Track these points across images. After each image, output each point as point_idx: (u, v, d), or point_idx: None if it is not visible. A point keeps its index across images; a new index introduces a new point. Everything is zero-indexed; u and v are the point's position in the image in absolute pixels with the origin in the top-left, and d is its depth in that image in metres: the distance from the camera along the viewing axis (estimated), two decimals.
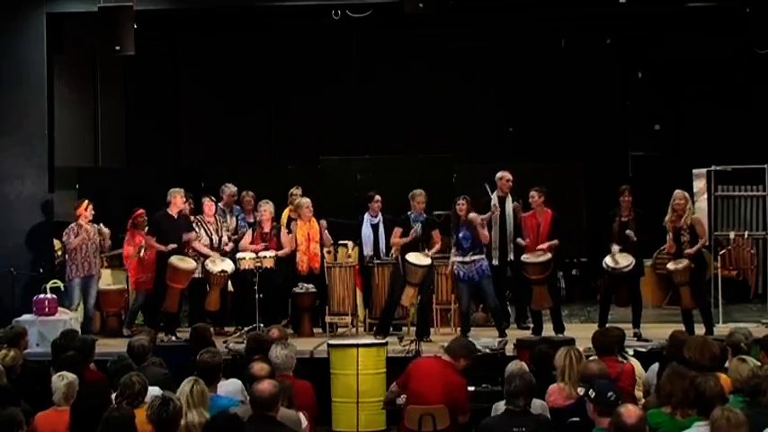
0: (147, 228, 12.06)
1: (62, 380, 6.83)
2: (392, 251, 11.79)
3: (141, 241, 12.15)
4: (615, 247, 11.15)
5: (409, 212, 11.58)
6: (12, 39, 13.12)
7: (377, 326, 11.27)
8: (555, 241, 11.37)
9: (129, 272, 12.35)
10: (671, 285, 12.08)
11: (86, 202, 12.11)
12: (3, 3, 13.07)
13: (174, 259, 11.56)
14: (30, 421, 6.53)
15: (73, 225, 11.92)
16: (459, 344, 8.06)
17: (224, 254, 12.01)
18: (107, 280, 12.64)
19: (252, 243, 11.88)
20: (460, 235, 11.14)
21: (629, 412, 5.46)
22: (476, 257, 11.15)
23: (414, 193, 11.61)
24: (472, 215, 11.12)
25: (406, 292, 11.15)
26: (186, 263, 11.64)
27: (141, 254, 12.07)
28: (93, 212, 12.00)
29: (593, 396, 6.16)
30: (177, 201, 11.86)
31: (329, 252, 12.56)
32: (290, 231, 12.09)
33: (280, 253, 11.78)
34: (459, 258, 11.20)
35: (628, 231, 11.14)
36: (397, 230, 11.55)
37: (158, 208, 11.98)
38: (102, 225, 12.15)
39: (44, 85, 13.13)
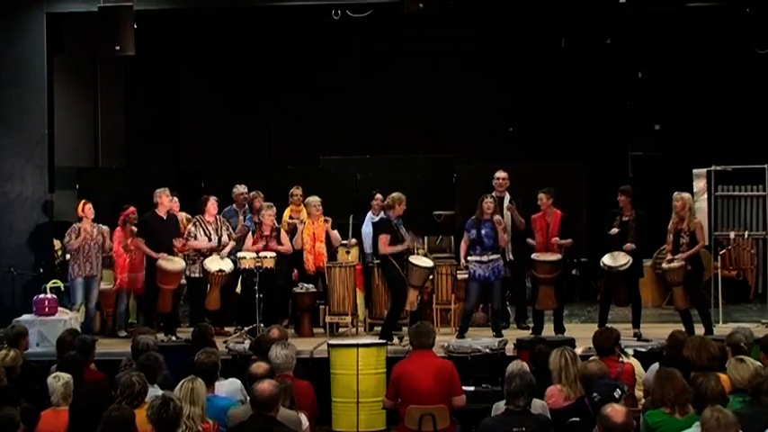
0: (136, 230, 11.92)
1: (58, 380, 6.83)
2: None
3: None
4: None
5: (393, 219, 11.16)
6: (12, 39, 13.11)
7: (381, 332, 11.18)
8: (569, 240, 11.36)
9: (117, 269, 12.17)
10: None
11: (83, 201, 12.01)
12: (3, 3, 13.07)
13: (163, 261, 11.52)
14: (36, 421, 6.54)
15: (75, 225, 11.81)
16: (416, 332, 8.10)
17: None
18: (105, 280, 12.61)
19: (253, 245, 11.79)
20: (483, 232, 11.09)
21: (616, 411, 5.47)
22: (494, 257, 11.15)
23: (400, 198, 11.19)
24: (497, 217, 11.12)
25: (409, 296, 11.11)
26: (174, 264, 11.61)
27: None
28: (93, 211, 11.86)
29: (589, 395, 6.29)
30: (164, 200, 11.81)
31: (348, 252, 12.53)
32: (294, 232, 12.06)
33: (281, 249, 11.75)
34: (477, 258, 11.14)
35: (626, 246, 11.12)
36: (385, 237, 11.09)
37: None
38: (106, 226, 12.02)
39: (44, 85, 13.12)
